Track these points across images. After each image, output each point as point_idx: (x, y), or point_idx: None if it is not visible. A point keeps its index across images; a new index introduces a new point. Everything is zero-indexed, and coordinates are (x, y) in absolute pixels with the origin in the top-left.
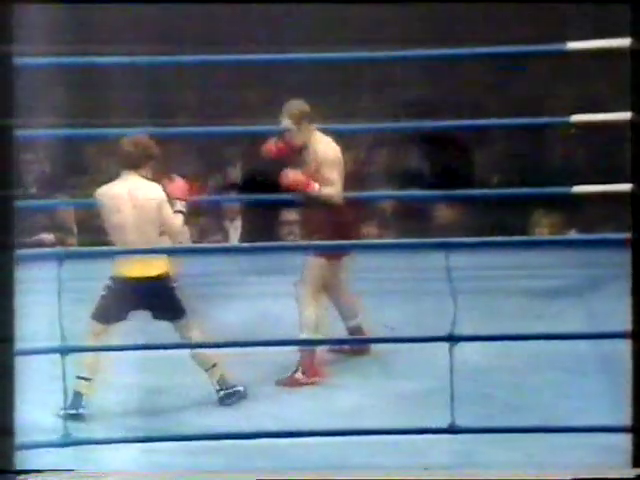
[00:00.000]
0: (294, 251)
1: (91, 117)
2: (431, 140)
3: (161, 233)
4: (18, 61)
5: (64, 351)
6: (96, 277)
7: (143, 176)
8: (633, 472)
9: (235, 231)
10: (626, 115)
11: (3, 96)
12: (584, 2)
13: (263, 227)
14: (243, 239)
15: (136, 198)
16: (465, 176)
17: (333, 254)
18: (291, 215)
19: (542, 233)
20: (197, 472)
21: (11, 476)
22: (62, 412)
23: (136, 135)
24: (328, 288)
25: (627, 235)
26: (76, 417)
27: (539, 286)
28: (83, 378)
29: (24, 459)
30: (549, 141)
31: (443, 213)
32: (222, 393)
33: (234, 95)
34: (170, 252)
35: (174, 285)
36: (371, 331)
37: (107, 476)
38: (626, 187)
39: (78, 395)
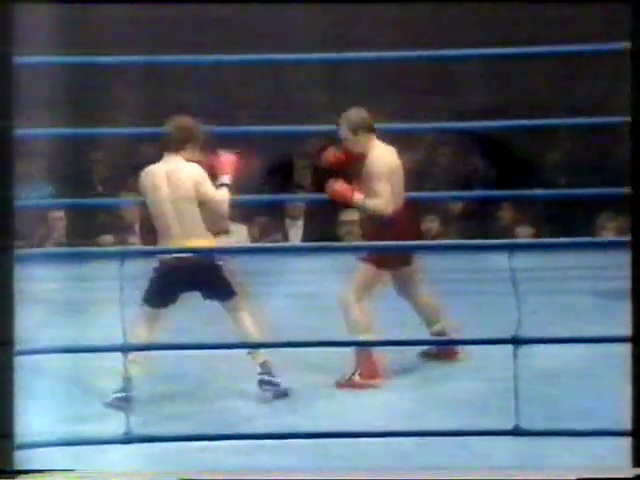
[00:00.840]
0: (319, 253)
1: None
2: (493, 141)
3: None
4: (18, 60)
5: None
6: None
7: (187, 158)
8: (633, 472)
9: (297, 230)
10: None
11: (3, 96)
12: (584, 2)
13: (324, 227)
14: (304, 238)
15: (172, 177)
16: (531, 177)
17: (383, 263)
18: (350, 215)
19: (608, 235)
20: (197, 472)
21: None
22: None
23: (180, 117)
24: (404, 294)
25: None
26: (124, 400)
27: (605, 287)
28: (131, 362)
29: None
30: (617, 141)
31: (506, 214)
32: (264, 377)
33: (295, 95)
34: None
35: (220, 265)
36: (455, 335)
37: (107, 476)
38: None
39: (128, 379)
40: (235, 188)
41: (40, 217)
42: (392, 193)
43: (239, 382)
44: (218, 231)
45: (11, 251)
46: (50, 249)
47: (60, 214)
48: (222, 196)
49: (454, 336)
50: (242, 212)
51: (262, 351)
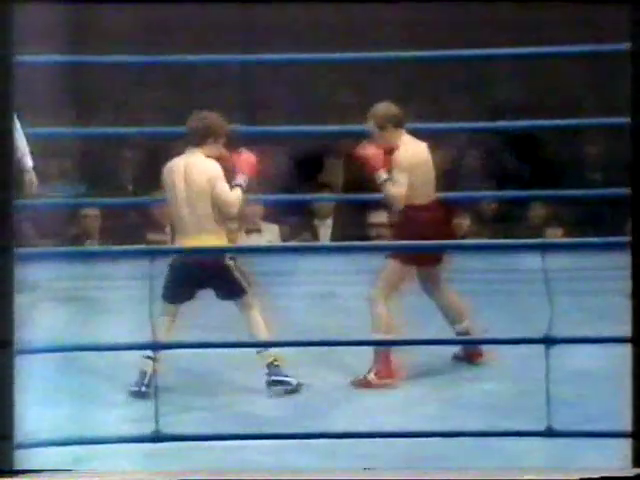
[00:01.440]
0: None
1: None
2: (525, 140)
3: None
4: (17, 60)
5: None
6: None
7: (207, 153)
8: (633, 472)
9: (326, 230)
10: None
11: (3, 96)
12: (585, 2)
13: (353, 228)
14: (333, 238)
15: (189, 174)
16: (565, 175)
17: (409, 260)
18: (380, 217)
19: None
20: (197, 472)
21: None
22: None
23: (204, 111)
24: (430, 292)
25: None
26: (139, 394)
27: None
28: (148, 357)
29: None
30: None
31: (538, 213)
32: (272, 378)
33: (325, 95)
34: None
35: (230, 263)
36: (479, 334)
37: (107, 476)
38: None
39: (143, 374)
40: (262, 188)
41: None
42: (412, 186)
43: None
44: (248, 229)
45: (11, 251)
46: (52, 248)
47: (95, 212)
48: (232, 197)
49: (484, 336)
50: (271, 211)
51: (271, 351)
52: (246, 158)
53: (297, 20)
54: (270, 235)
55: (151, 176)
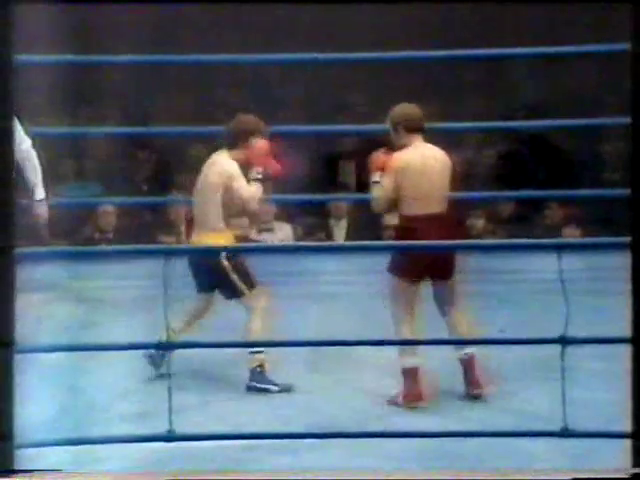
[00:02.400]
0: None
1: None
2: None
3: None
4: (18, 61)
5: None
6: None
7: (237, 155)
8: (633, 471)
9: (340, 230)
10: None
11: (3, 96)
12: (585, 2)
13: (368, 228)
14: (348, 239)
15: (206, 173)
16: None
17: (404, 274)
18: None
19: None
20: (197, 472)
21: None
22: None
23: (242, 114)
24: (440, 310)
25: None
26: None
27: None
28: (256, 352)
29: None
30: None
31: (555, 213)
32: (251, 384)
33: (341, 95)
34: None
35: (225, 264)
36: (483, 367)
37: (106, 476)
38: None
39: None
40: (278, 186)
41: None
42: (405, 194)
43: None
44: (261, 228)
45: (11, 251)
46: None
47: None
48: (248, 192)
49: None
50: (286, 211)
51: (258, 356)
52: (259, 149)
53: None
54: (283, 234)
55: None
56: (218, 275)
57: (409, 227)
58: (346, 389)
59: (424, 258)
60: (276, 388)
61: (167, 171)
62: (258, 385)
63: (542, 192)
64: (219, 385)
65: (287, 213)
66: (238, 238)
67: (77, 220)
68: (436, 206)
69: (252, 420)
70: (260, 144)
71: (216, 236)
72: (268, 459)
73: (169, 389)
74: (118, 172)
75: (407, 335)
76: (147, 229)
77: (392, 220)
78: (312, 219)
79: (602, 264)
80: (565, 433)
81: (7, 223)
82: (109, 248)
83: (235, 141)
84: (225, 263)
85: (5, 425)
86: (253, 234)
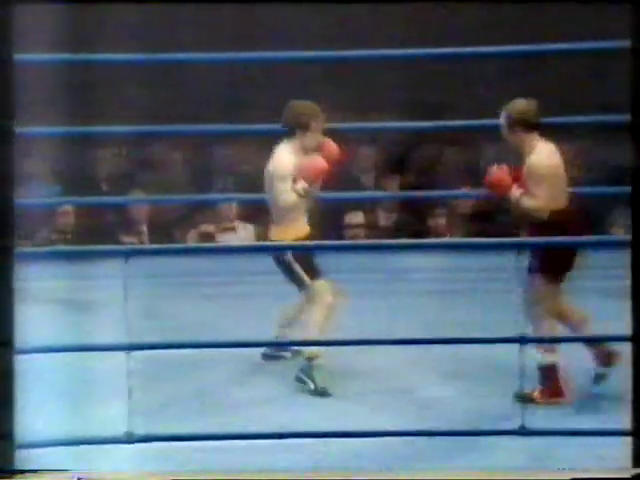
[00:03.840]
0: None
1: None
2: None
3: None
4: (18, 60)
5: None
6: None
7: (297, 145)
8: (633, 472)
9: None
10: None
11: (3, 95)
12: (585, 2)
13: (331, 226)
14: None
15: (269, 166)
16: None
17: (562, 270)
18: (356, 218)
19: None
20: (197, 472)
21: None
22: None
23: (296, 101)
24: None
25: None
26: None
27: (611, 286)
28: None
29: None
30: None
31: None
32: (299, 374)
33: None
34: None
35: (288, 257)
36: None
37: (106, 476)
38: None
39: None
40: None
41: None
42: (551, 195)
43: None
44: (223, 228)
45: (11, 250)
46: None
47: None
48: (283, 200)
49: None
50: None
51: (314, 349)
52: (315, 165)
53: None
54: (245, 234)
55: None
56: (285, 266)
57: (551, 222)
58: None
59: (571, 256)
60: (312, 386)
61: (128, 170)
62: (302, 377)
63: None
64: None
65: (249, 212)
66: (203, 236)
67: (35, 221)
68: (566, 200)
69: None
70: (317, 161)
71: (281, 229)
72: None
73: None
74: (78, 172)
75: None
76: (107, 229)
77: (355, 219)
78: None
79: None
80: (524, 431)
81: (8, 222)
82: (111, 247)
83: (292, 131)
84: (289, 254)
85: (6, 425)
86: (217, 233)
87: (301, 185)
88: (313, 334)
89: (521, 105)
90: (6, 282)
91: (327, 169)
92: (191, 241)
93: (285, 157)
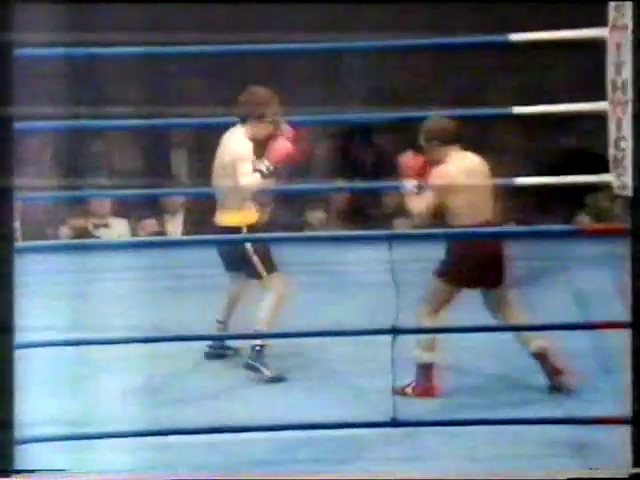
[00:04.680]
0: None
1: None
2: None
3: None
4: (18, 51)
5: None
6: None
7: (250, 131)
8: (632, 472)
9: (175, 226)
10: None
11: (2, 86)
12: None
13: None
14: (185, 233)
15: (221, 150)
16: None
17: (459, 281)
18: None
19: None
20: (195, 473)
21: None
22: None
23: (253, 87)
24: (494, 313)
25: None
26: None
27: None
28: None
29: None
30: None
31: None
32: (249, 361)
33: None
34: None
35: (248, 244)
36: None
37: (106, 476)
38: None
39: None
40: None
41: None
42: (443, 206)
43: None
44: (97, 225)
45: (11, 240)
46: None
47: None
48: (247, 181)
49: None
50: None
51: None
52: (279, 146)
53: None
54: (119, 230)
55: None
56: (241, 255)
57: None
58: None
59: (475, 265)
60: (269, 373)
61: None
62: (254, 364)
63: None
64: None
65: (122, 208)
66: (77, 231)
67: None
68: (482, 216)
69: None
70: (282, 142)
71: (235, 215)
72: None
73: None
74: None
75: (427, 336)
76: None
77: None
78: (147, 214)
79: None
80: (394, 422)
81: (6, 214)
82: (109, 241)
83: (247, 115)
84: (247, 244)
85: (5, 419)
86: (90, 229)
87: (265, 165)
88: (264, 322)
89: (437, 123)
90: (6, 273)
91: (292, 151)
92: (64, 238)
93: (243, 141)
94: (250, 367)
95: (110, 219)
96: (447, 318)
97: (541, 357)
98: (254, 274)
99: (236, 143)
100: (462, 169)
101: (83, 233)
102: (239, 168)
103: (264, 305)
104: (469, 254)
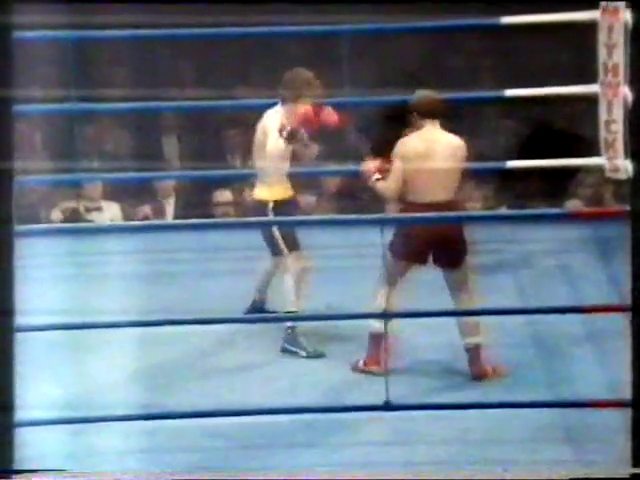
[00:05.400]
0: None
1: None
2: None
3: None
4: (17, 34)
5: None
6: None
7: (289, 110)
8: (632, 471)
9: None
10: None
11: (2, 69)
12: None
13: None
14: (177, 217)
15: (257, 130)
16: None
17: (399, 255)
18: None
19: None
20: (197, 472)
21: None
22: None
23: (295, 68)
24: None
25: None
26: None
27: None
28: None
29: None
30: None
31: None
32: (285, 345)
33: None
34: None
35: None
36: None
37: (106, 476)
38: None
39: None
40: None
41: None
42: (403, 178)
43: None
44: (90, 208)
45: (11, 224)
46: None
47: None
48: (270, 146)
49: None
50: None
51: (298, 303)
52: (305, 112)
53: None
54: (111, 214)
55: None
56: (267, 233)
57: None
58: None
59: (422, 242)
60: (304, 353)
61: None
62: (289, 347)
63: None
64: None
65: (115, 191)
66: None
67: None
68: (440, 194)
69: None
70: (308, 110)
71: (267, 189)
72: None
73: None
74: None
75: (380, 304)
76: None
77: (223, 197)
78: (139, 198)
79: None
80: (388, 406)
81: (6, 197)
82: (109, 225)
83: (286, 95)
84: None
85: (5, 402)
86: (82, 213)
87: (287, 130)
88: (291, 304)
89: (421, 96)
90: (5, 256)
91: (313, 115)
92: (56, 221)
93: (275, 115)
94: (285, 350)
95: (103, 202)
96: (404, 292)
97: (473, 353)
98: (277, 251)
99: (271, 120)
100: (424, 145)
101: (75, 216)
102: (269, 137)
103: (285, 288)
104: (413, 232)
